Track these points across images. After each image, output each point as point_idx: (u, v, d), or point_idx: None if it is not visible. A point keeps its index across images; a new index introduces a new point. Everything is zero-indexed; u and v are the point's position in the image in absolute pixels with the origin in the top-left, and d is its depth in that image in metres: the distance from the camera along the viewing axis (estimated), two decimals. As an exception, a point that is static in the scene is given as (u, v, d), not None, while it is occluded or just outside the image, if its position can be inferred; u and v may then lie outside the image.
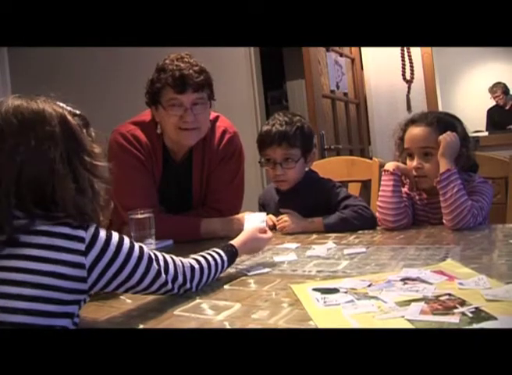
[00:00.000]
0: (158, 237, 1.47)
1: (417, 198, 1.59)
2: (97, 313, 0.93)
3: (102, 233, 0.82)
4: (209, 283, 1.06)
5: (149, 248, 1.42)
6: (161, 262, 0.91)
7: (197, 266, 1.00)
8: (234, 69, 3.19)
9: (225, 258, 1.07)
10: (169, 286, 0.92)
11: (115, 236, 0.84)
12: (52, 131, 0.79)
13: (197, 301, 0.94)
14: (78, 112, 0.87)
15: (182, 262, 0.97)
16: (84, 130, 0.85)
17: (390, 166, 1.55)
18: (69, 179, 0.79)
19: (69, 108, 0.85)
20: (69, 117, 0.83)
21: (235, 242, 1.14)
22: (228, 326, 0.80)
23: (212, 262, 1.03)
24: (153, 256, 0.90)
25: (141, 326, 0.84)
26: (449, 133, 1.46)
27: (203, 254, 1.05)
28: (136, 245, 0.88)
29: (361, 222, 1.56)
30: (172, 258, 0.95)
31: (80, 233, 0.79)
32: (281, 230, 1.63)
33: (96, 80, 3.56)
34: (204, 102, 1.58)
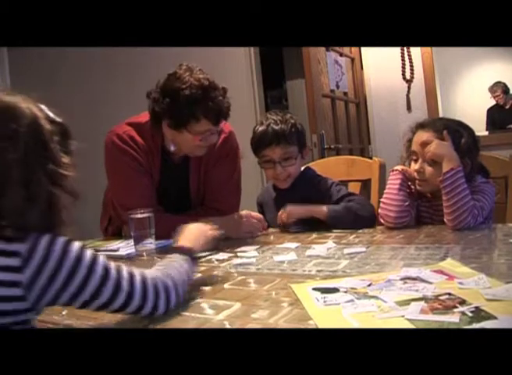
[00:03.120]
0: (156, 236, 1.47)
1: (422, 199, 1.60)
2: (97, 313, 0.93)
3: (43, 241, 0.72)
4: (208, 283, 1.06)
5: (149, 247, 1.44)
6: (124, 273, 0.79)
7: (169, 281, 0.86)
8: (234, 69, 3.19)
9: (186, 265, 0.96)
10: (137, 301, 0.79)
11: (60, 242, 0.73)
12: (16, 131, 0.72)
13: (197, 300, 0.94)
14: (59, 119, 0.81)
15: (151, 275, 0.84)
16: (57, 138, 0.78)
17: (399, 167, 1.58)
18: (19, 185, 0.71)
19: (49, 113, 0.79)
20: (43, 120, 0.76)
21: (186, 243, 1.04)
22: (228, 326, 0.80)
23: (181, 274, 0.91)
24: (111, 265, 0.78)
25: (141, 326, 0.84)
26: (432, 144, 1.47)
27: (165, 265, 0.93)
28: (88, 252, 0.76)
29: (365, 213, 1.56)
30: (140, 272, 0.83)
31: (15, 247, 0.70)
32: (287, 219, 1.62)
33: (96, 80, 3.56)
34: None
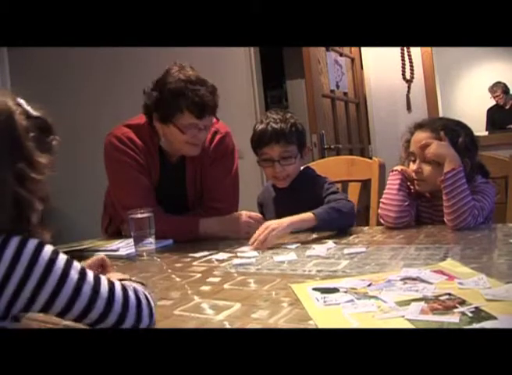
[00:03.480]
0: (156, 236, 1.48)
1: (422, 199, 1.60)
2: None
3: (13, 243, 0.67)
4: (208, 283, 1.07)
5: (149, 247, 1.45)
6: (103, 280, 0.74)
7: (147, 293, 0.80)
8: (234, 69, 3.19)
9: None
10: (118, 308, 0.73)
11: (30, 245, 0.68)
12: None
13: (197, 300, 0.94)
14: (38, 114, 0.76)
15: (130, 284, 0.79)
16: (34, 135, 0.74)
17: (398, 167, 1.58)
18: None
19: (27, 107, 0.75)
20: (18, 116, 0.72)
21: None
22: (228, 326, 0.80)
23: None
24: (88, 271, 0.73)
25: (141, 326, 0.83)
26: (432, 145, 1.47)
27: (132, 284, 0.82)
28: (62, 256, 0.71)
29: (346, 210, 1.54)
30: (120, 283, 0.77)
31: None
32: (271, 239, 1.41)
33: (97, 80, 3.56)
34: (212, 121, 1.64)
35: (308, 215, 1.50)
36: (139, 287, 0.80)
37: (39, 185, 0.73)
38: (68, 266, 0.70)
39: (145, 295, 0.79)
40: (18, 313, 0.70)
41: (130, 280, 0.88)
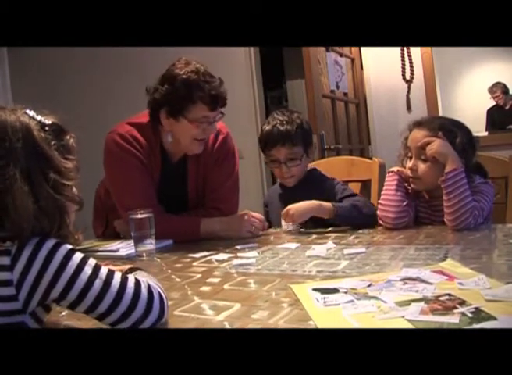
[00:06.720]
0: (157, 237, 1.47)
1: (420, 199, 1.60)
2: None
3: (32, 241, 0.72)
4: (208, 284, 1.07)
5: (149, 248, 1.44)
6: (116, 275, 0.77)
7: (159, 288, 0.83)
8: (234, 69, 3.19)
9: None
10: (126, 301, 0.76)
11: (49, 243, 0.73)
12: (13, 147, 0.72)
13: (197, 301, 0.94)
14: (49, 121, 0.79)
15: (144, 279, 0.82)
16: (54, 142, 0.78)
17: (395, 168, 1.59)
18: (27, 197, 0.72)
19: (39, 117, 0.78)
20: (36, 131, 0.76)
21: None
22: (228, 327, 0.80)
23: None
24: (103, 269, 0.77)
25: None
26: (435, 143, 1.46)
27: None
28: (78, 253, 0.75)
29: (368, 211, 1.58)
30: (135, 278, 0.80)
31: (6, 245, 0.71)
32: (292, 221, 1.61)
33: (96, 80, 3.56)
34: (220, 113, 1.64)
35: (326, 207, 1.58)
36: (155, 285, 0.82)
37: (72, 190, 0.79)
38: (83, 262, 0.75)
39: (159, 293, 0.81)
40: (34, 307, 0.73)
41: (131, 269, 0.93)
